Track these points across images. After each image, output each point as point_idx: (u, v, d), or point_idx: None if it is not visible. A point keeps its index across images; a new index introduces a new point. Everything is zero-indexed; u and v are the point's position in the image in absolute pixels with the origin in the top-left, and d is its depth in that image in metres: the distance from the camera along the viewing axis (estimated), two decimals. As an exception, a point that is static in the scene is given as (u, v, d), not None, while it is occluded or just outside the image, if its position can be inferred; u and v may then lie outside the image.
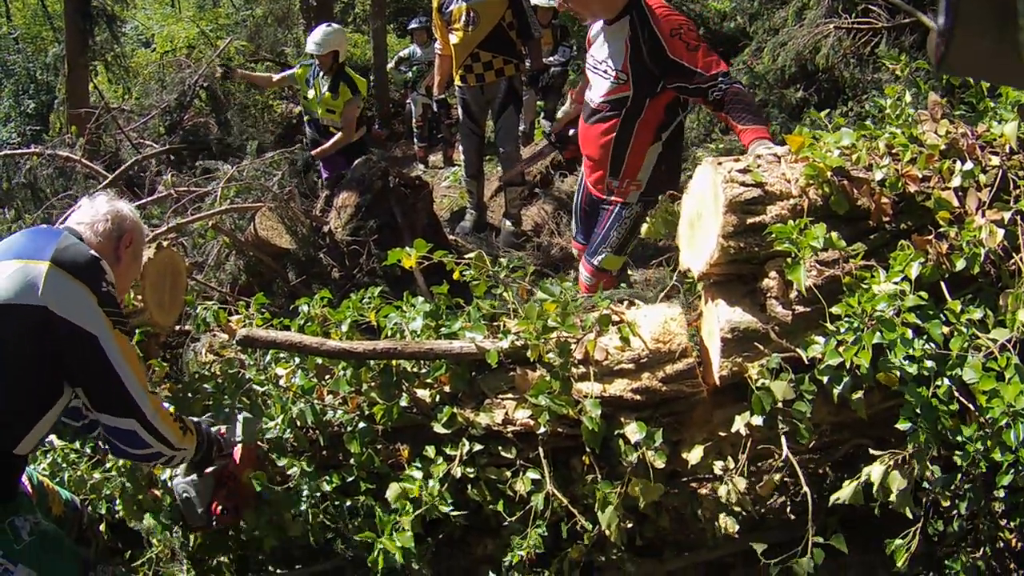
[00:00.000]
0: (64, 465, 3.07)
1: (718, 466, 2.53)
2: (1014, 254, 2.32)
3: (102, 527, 3.08)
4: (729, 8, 8.07)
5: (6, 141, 15.14)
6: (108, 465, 3.00)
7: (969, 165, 2.43)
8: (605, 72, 3.54)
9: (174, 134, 7.18)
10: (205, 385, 2.97)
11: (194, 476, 2.67)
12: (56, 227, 2.58)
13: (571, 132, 4.12)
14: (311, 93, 6.74)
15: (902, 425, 2.20)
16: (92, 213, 2.59)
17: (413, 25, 9.68)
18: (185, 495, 2.68)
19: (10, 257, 2.29)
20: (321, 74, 6.66)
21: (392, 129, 11.02)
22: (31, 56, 18.26)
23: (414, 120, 9.69)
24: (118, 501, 2.96)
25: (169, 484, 2.77)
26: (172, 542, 2.94)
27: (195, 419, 2.68)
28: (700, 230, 2.60)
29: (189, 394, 2.99)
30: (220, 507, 2.66)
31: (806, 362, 2.34)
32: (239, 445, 2.74)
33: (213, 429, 2.76)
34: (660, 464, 2.41)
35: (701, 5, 8.33)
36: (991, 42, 0.91)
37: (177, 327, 3.53)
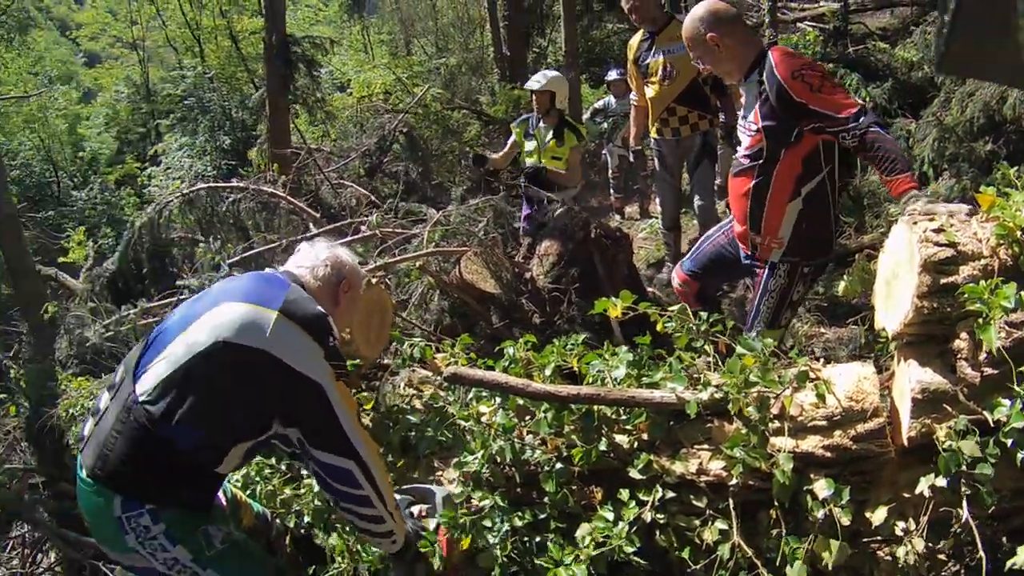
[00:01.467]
0: (257, 479, 3.22)
1: (899, 527, 2.50)
2: None
3: (287, 540, 3.14)
4: (916, 57, 7.84)
5: (202, 173, 16.41)
6: (303, 489, 3.13)
7: None
8: (745, 128, 3.56)
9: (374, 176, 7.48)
10: (409, 417, 3.13)
11: None
12: (278, 273, 2.68)
13: None
14: (531, 145, 6.77)
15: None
16: (312, 258, 2.72)
17: (612, 76, 9.53)
18: None
19: (238, 299, 2.43)
20: (541, 124, 6.72)
21: (588, 179, 11.12)
22: (226, 95, 19.73)
23: (610, 171, 9.72)
24: (306, 516, 3.09)
25: None
26: (356, 563, 2.99)
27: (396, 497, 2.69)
28: (895, 289, 2.61)
29: (388, 423, 3.16)
30: None
31: (991, 424, 2.31)
32: (442, 527, 2.76)
33: (414, 509, 2.83)
34: (846, 521, 2.41)
35: (889, 55, 8.13)
36: (992, 42, 0.97)
37: (378, 360, 3.69)
